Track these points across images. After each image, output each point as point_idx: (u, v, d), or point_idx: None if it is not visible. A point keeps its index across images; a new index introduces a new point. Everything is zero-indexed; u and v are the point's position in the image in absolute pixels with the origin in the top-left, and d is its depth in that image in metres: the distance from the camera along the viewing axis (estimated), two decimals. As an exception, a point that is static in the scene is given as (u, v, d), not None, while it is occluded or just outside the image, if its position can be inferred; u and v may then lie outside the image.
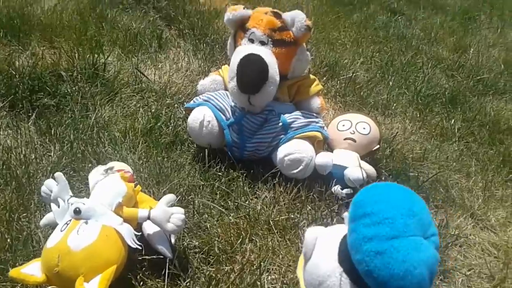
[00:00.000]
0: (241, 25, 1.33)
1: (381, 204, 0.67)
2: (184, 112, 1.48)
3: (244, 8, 1.34)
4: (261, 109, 1.30)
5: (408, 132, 1.67)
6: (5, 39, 1.79)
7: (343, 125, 1.34)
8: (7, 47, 1.76)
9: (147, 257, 0.97)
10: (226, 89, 1.39)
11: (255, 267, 1.01)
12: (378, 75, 2.07)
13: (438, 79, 2.15)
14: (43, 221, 0.96)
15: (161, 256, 0.96)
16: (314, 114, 1.35)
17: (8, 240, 0.98)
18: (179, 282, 0.96)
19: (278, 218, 1.15)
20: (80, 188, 1.16)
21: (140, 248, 0.91)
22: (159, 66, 1.83)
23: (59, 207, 0.92)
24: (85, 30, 1.94)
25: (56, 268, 0.81)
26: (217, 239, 1.08)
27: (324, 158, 1.27)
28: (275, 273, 1.03)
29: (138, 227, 0.96)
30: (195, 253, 1.05)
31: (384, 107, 1.81)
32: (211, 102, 1.33)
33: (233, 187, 1.25)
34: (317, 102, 1.37)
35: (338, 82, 1.92)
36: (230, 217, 1.14)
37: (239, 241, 1.08)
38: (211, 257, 1.05)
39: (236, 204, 1.19)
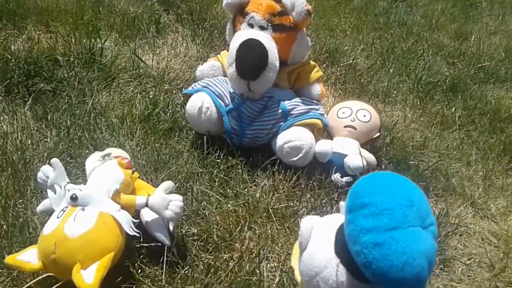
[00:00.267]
0: (240, 10, 1.31)
1: (380, 194, 0.66)
2: (182, 98, 1.47)
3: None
4: (261, 95, 1.28)
5: (408, 120, 1.66)
6: (0, 23, 1.76)
7: (343, 113, 1.33)
8: (3, 31, 1.73)
9: (145, 244, 0.96)
10: (225, 75, 1.37)
11: (254, 255, 1.01)
12: (379, 62, 2.05)
13: (439, 66, 2.13)
14: (39, 208, 0.96)
15: (159, 244, 0.95)
16: (314, 101, 1.34)
17: (4, 226, 0.97)
18: (177, 269, 0.95)
19: (277, 206, 1.15)
20: (77, 174, 1.15)
21: (138, 235, 0.90)
22: (157, 51, 1.81)
23: (55, 193, 0.91)
24: (82, 14, 1.92)
25: (53, 255, 0.81)
26: (215, 226, 1.08)
27: (324, 146, 1.26)
28: (274, 261, 1.03)
29: (136, 214, 0.95)
30: (194, 240, 1.05)
31: (384, 94, 1.79)
32: (210, 88, 1.31)
33: (232, 174, 1.25)
34: (317, 89, 1.36)
35: (338, 69, 1.91)
36: (229, 205, 1.14)
37: (238, 229, 1.07)
38: (210, 244, 1.04)
39: (235, 191, 1.19)
